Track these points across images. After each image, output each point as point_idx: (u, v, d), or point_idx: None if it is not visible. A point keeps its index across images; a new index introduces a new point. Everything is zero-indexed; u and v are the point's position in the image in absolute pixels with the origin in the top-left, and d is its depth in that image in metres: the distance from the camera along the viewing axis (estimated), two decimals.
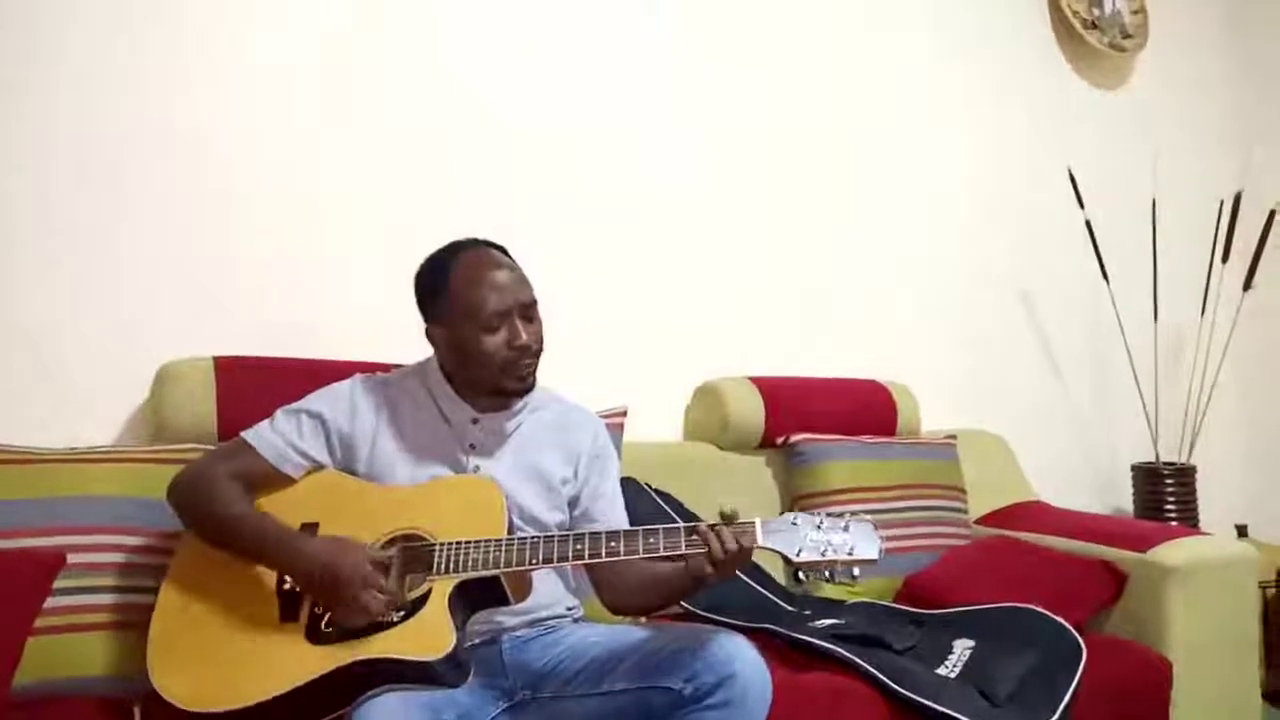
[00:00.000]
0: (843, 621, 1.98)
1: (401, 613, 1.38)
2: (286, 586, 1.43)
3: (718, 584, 1.45)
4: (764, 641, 1.75)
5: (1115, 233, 3.09)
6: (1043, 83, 3.23)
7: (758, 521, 1.42)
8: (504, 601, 1.45)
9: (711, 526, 1.41)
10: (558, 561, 1.43)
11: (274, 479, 1.54)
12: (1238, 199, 3.13)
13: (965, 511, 2.52)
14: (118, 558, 1.62)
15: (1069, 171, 3.03)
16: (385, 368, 1.72)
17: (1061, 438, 3.16)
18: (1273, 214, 3.10)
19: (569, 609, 1.65)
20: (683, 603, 1.87)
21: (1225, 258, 3.13)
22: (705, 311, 2.58)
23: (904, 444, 2.52)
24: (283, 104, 2.11)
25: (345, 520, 1.49)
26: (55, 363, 1.88)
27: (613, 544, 1.42)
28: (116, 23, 1.96)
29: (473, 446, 1.60)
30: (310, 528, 1.49)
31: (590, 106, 2.47)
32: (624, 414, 2.08)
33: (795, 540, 1.41)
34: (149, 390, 1.87)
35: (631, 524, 1.64)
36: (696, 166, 2.60)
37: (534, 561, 1.41)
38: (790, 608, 2.09)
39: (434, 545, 1.43)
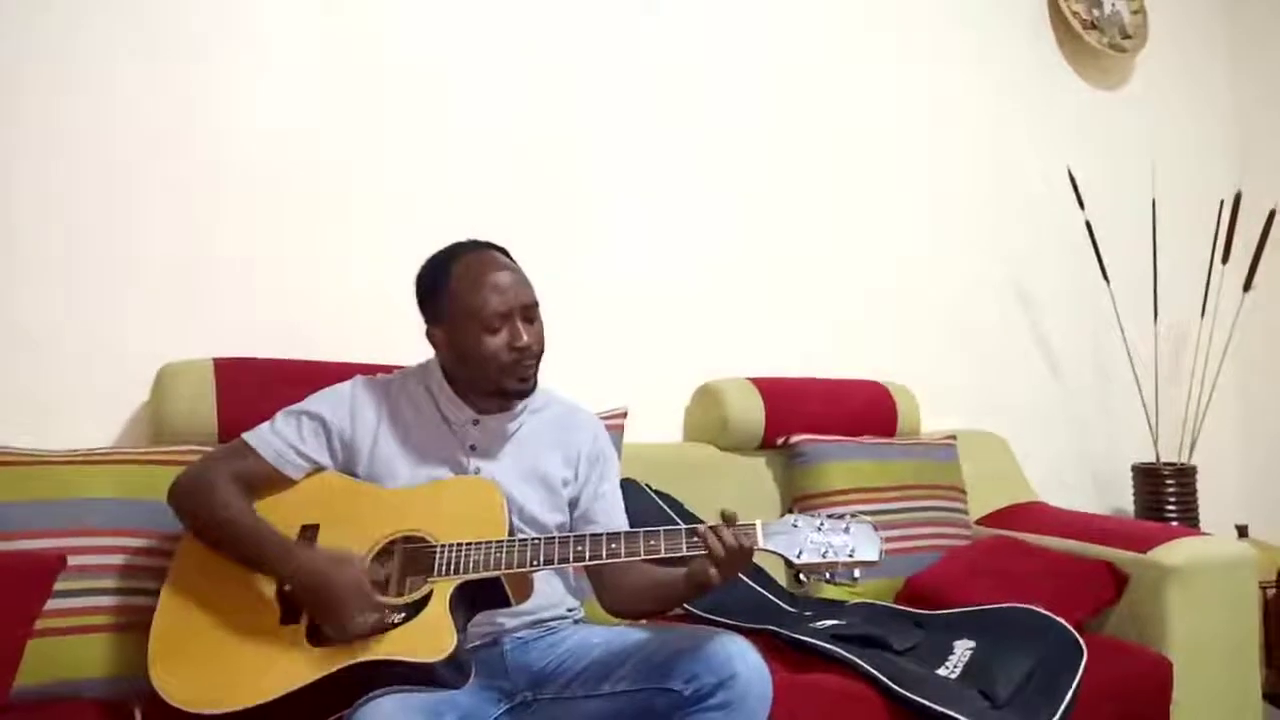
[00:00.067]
0: (843, 622, 1.98)
1: (403, 614, 1.38)
2: (287, 588, 1.43)
3: (718, 589, 1.44)
4: (765, 642, 1.75)
5: (1115, 233, 3.08)
6: (1043, 83, 3.23)
7: (758, 523, 1.42)
8: (505, 603, 1.45)
9: (712, 528, 1.41)
10: (558, 563, 1.43)
11: (275, 481, 1.54)
12: (1238, 199, 3.12)
13: (965, 512, 2.51)
14: (118, 559, 1.62)
15: (1069, 172, 3.03)
16: (385, 369, 1.72)
17: (1061, 438, 3.16)
18: (1273, 214, 3.10)
19: (570, 610, 1.65)
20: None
21: (1225, 258, 3.13)
22: (705, 312, 2.58)
23: (904, 444, 2.52)
24: (283, 104, 2.11)
25: (346, 522, 1.48)
26: (55, 363, 1.88)
27: (613, 545, 1.42)
28: (115, 24, 1.96)
29: (473, 448, 1.60)
30: (311, 529, 1.49)
31: (590, 107, 2.47)
32: (624, 415, 2.08)
33: (796, 542, 1.41)
34: (149, 391, 1.87)
35: (631, 525, 1.64)
36: (696, 167, 2.60)
37: (535, 563, 1.41)
38: (791, 609, 2.09)
39: (435, 547, 1.43)
